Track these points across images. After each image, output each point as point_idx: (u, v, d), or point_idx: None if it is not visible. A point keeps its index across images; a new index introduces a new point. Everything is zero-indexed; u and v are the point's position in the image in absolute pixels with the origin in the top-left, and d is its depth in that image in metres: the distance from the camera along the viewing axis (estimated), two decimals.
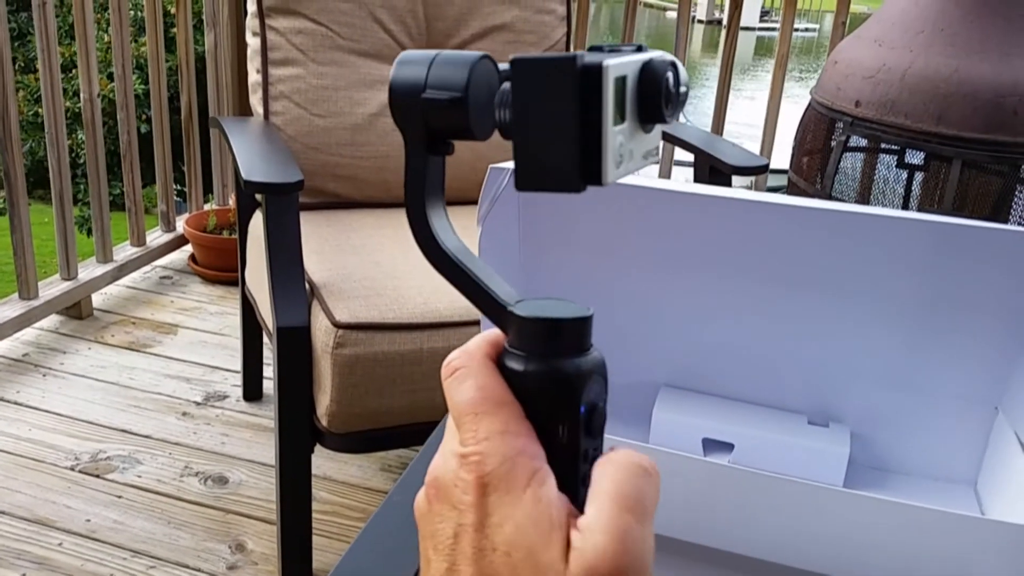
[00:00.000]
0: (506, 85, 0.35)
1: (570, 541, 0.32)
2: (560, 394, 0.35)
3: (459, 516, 0.34)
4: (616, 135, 0.34)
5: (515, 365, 0.35)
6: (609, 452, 0.35)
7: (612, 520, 0.32)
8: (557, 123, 0.33)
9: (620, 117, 0.34)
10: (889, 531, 0.64)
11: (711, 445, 0.82)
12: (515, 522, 0.33)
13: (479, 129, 0.36)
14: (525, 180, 0.34)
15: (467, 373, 0.36)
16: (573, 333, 0.35)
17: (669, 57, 0.37)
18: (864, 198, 1.97)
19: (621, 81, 0.34)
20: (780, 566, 0.67)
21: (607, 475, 0.34)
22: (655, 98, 0.35)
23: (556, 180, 0.34)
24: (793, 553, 0.67)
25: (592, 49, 0.36)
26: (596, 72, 0.33)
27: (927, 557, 0.63)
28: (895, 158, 1.89)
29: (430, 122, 0.37)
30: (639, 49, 0.37)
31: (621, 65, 0.34)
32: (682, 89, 0.38)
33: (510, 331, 0.36)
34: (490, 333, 0.37)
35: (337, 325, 1.31)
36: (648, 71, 0.35)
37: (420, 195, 0.38)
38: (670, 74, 0.36)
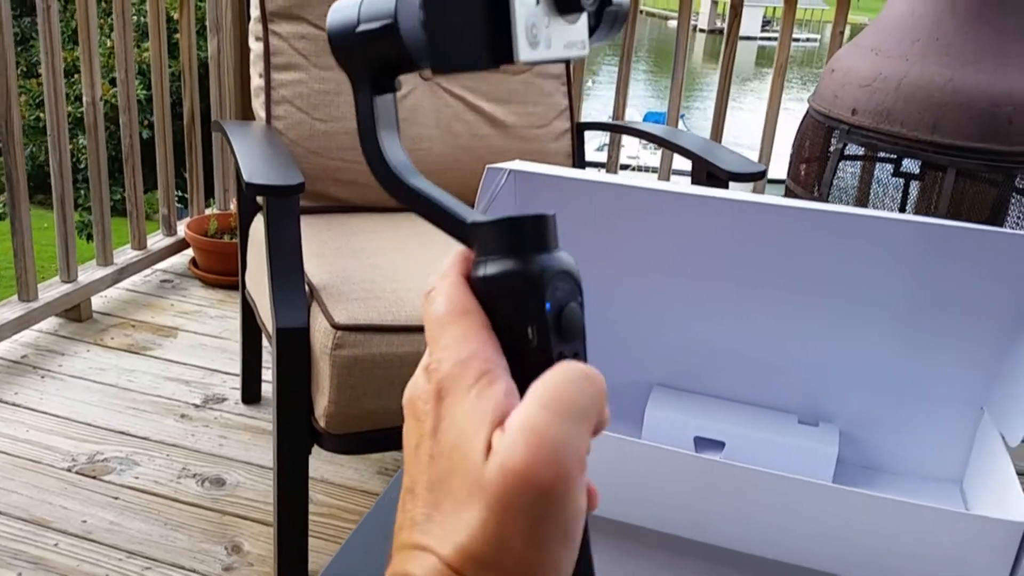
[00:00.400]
0: None
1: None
2: (523, 293, 0.34)
3: (420, 427, 0.34)
4: (527, 12, 0.34)
5: (478, 272, 0.35)
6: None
7: (528, 417, 0.31)
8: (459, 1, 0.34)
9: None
10: (876, 526, 0.65)
11: (703, 443, 0.83)
12: (457, 424, 0.32)
13: (417, 54, 0.36)
14: (438, 60, 0.34)
15: (437, 291, 0.35)
16: (532, 231, 0.35)
17: None
18: (861, 206, 1.98)
19: None
20: (770, 561, 0.68)
21: (539, 380, 0.33)
22: None
23: (467, 56, 0.34)
24: (783, 548, 0.68)
25: None
26: None
27: (913, 551, 0.64)
28: (891, 166, 1.90)
29: (369, 56, 0.37)
30: None
31: None
32: None
33: (474, 244, 0.36)
34: (462, 252, 0.37)
35: (336, 327, 1.32)
36: None
37: (372, 134, 0.38)
38: None
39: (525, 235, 0.34)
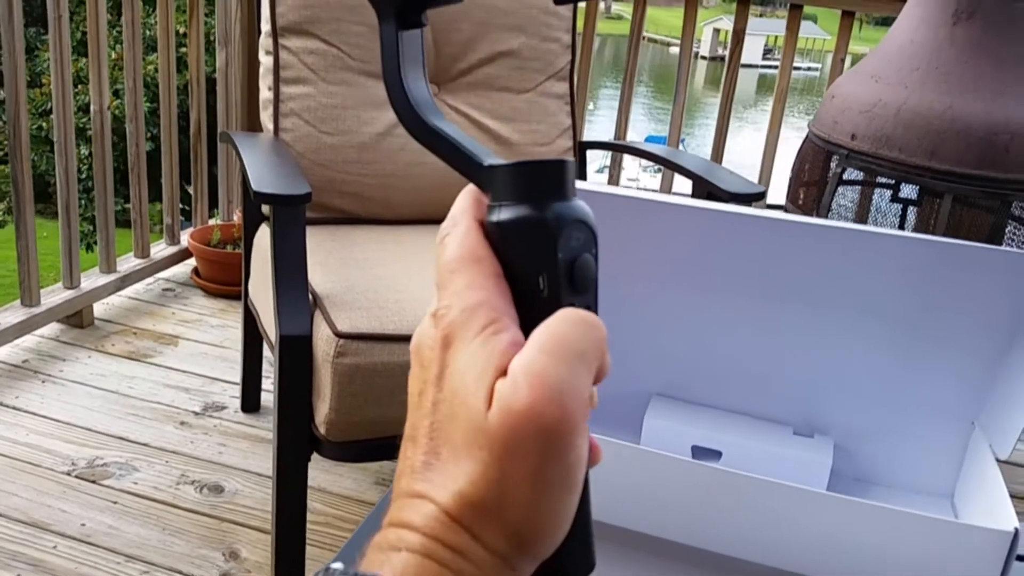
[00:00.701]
0: None
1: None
2: (536, 240, 0.33)
3: (424, 373, 0.34)
4: None
5: (492, 217, 0.34)
6: None
7: (530, 361, 0.31)
8: None
9: None
10: (868, 534, 0.67)
11: (700, 453, 0.85)
12: (460, 370, 0.32)
13: None
14: None
15: (451, 237, 0.35)
16: (546, 176, 0.34)
17: None
18: None
19: None
20: (765, 567, 0.70)
21: (541, 327, 0.32)
22: None
23: None
24: (778, 555, 0.69)
25: None
26: None
27: (905, 559, 0.65)
28: (890, 191, 1.93)
29: None
30: None
31: None
32: None
33: (488, 187, 0.35)
34: (472, 193, 0.36)
35: (338, 335, 1.33)
36: None
37: (396, 69, 0.37)
38: None
39: (542, 181, 0.34)
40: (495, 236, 0.34)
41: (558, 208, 0.33)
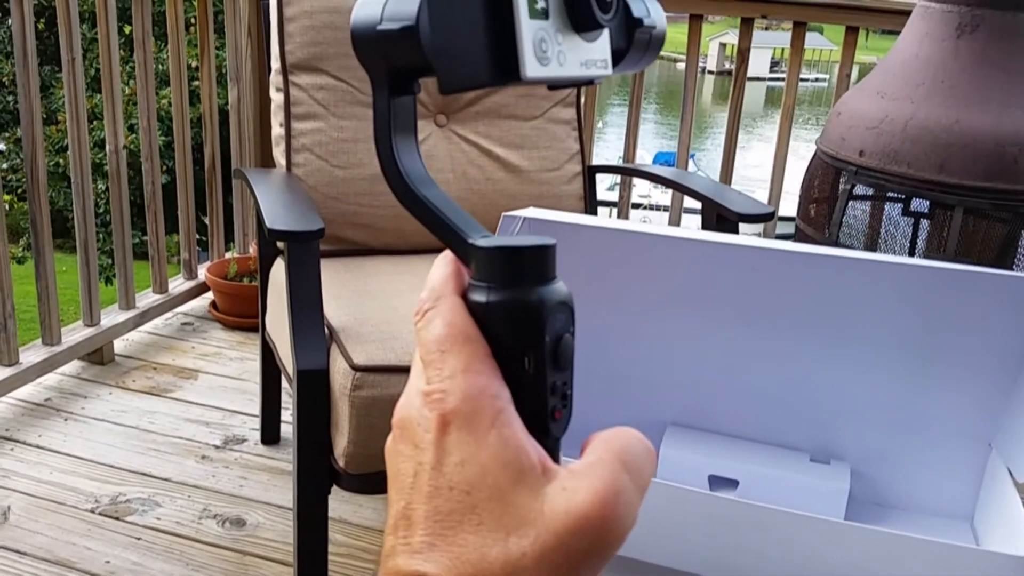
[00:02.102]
0: None
1: (541, 482, 0.32)
2: (524, 324, 0.34)
3: (419, 455, 0.34)
4: (535, 29, 0.33)
5: (478, 297, 0.35)
6: (614, 428, 0.35)
7: (612, 472, 0.32)
8: (466, 14, 0.33)
9: (542, 13, 0.34)
10: (889, 562, 0.67)
11: (717, 482, 0.85)
12: (480, 463, 0.32)
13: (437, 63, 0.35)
14: (446, 81, 0.34)
15: (436, 312, 0.35)
16: (534, 261, 0.34)
17: None
18: (871, 246, 2.01)
19: None
20: None
21: (614, 438, 0.33)
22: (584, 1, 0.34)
23: (471, 75, 0.33)
24: None
25: None
26: None
27: None
28: (900, 206, 1.93)
29: (389, 57, 0.36)
30: None
31: None
32: (643, 16, 0.38)
33: (473, 264, 0.35)
34: (452, 265, 0.37)
35: (355, 368, 1.35)
36: None
37: (387, 135, 0.37)
38: None
39: (527, 265, 0.34)
40: (480, 315, 0.35)
41: (543, 292, 0.34)
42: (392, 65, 0.36)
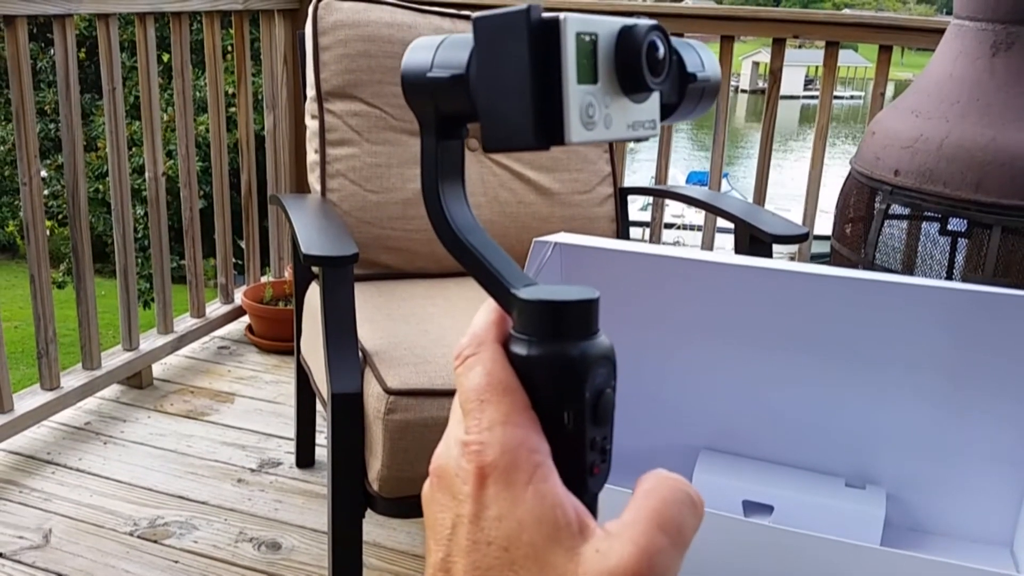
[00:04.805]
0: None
1: (577, 541, 0.32)
2: (564, 379, 0.33)
3: (458, 506, 0.33)
4: (583, 94, 0.32)
5: (519, 350, 0.34)
6: (660, 472, 0.34)
7: (646, 534, 0.31)
8: (513, 77, 0.32)
9: (591, 77, 0.33)
10: None
11: (751, 507, 0.84)
12: (517, 519, 0.32)
13: None
14: (489, 140, 0.34)
15: (476, 360, 0.35)
16: (577, 316, 0.34)
17: (655, 23, 0.35)
18: (908, 265, 1.99)
19: (589, 39, 0.33)
20: None
21: (653, 492, 0.33)
22: (634, 62, 0.33)
23: (514, 137, 0.33)
24: None
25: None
26: (553, 25, 0.31)
27: None
28: (937, 225, 1.91)
29: (438, 102, 0.36)
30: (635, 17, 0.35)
31: (588, 22, 0.32)
32: (696, 72, 0.37)
33: (515, 314, 0.35)
34: (495, 313, 0.36)
35: (388, 391, 1.36)
36: (627, 34, 0.34)
37: (434, 178, 0.37)
38: (656, 39, 0.34)
39: (571, 321, 0.34)
40: (520, 367, 0.34)
41: (585, 347, 0.34)
42: (440, 110, 0.36)
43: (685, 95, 0.39)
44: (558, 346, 0.34)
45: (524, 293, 0.34)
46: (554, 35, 0.31)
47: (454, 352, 0.36)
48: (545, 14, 0.32)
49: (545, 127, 0.32)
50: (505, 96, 0.33)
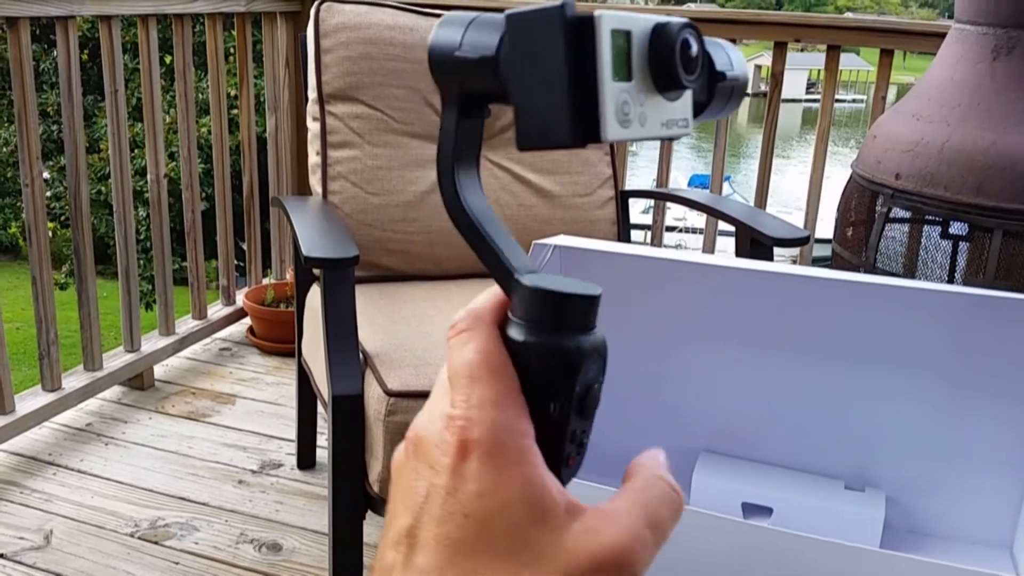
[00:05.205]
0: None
1: (561, 520, 0.32)
2: (557, 371, 0.34)
3: (434, 476, 0.34)
4: (618, 91, 0.32)
5: (515, 335, 0.34)
6: (653, 470, 0.35)
7: (636, 525, 0.33)
8: (548, 75, 0.32)
9: (625, 75, 0.33)
10: None
11: (750, 509, 0.85)
12: (501, 498, 0.32)
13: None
14: (524, 137, 0.33)
15: (471, 336, 0.35)
16: (577, 310, 0.34)
17: (687, 20, 0.35)
18: (910, 269, 1.99)
19: (623, 36, 0.32)
20: None
21: (647, 489, 0.34)
22: (668, 60, 0.33)
23: (551, 134, 0.32)
24: None
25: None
26: (588, 23, 0.31)
27: None
28: (938, 229, 1.91)
29: (463, 83, 0.36)
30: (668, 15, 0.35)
31: (623, 19, 0.32)
32: (726, 71, 0.37)
33: (515, 299, 0.35)
34: (497, 296, 0.36)
35: (389, 393, 1.36)
36: (661, 31, 0.34)
37: (450, 155, 0.37)
38: (689, 36, 0.34)
39: (570, 313, 0.34)
40: (514, 352, 0.34)
41: (582, 341, 0.34)
42: (465, 89, 0.36)
43: (715, 94, 0.38)
44: (555, 337, 0.34)
45: (527, 279, 0.34)
46: (589, 32, 0.31)
47: (451, 324, 0.36)
48: (576, 10, 0.32)
49: (581, 125, 0.32)
50: (540, 94, 0.32)
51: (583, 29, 0.31)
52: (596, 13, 0.31)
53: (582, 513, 0.33)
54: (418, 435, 0.35)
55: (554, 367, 0.34)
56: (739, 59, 0.39)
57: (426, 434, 0.35)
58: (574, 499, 0.34)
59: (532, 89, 0.32)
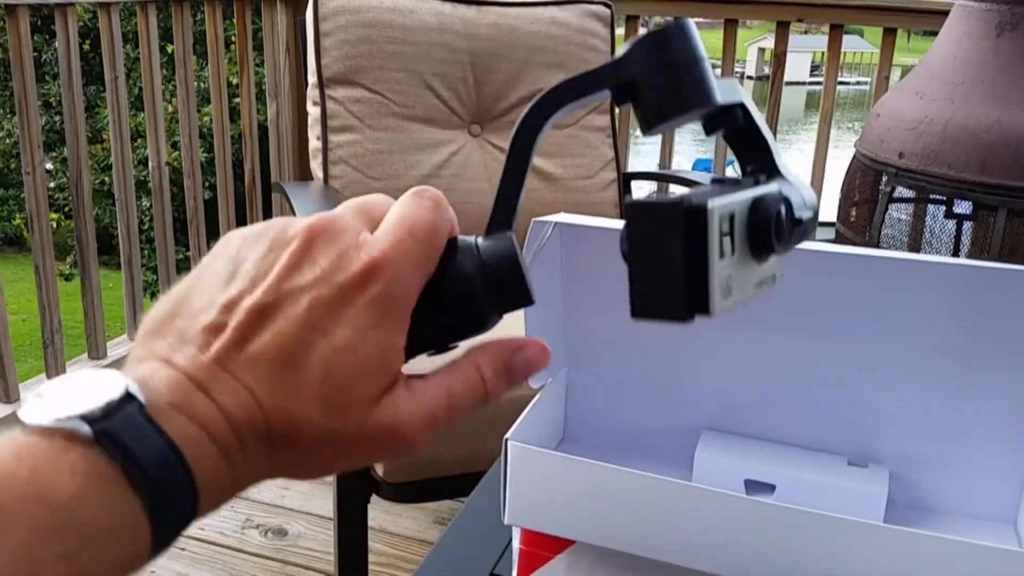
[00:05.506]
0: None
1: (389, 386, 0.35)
2: (460, 306, 0.37)
3: (318, 279, 0.33)
4: (723, 269, 0.35)
5: (465, 255, 0.37)
6: (488, 351, 0.38)
7: (437, 407, 0.36)
8: (666, 260, 0.35)
9: (729, 252, 0.36)
10: (929, 566, 0.66)
11: (753, 486, 0.84)
12: (365, 337, 0.33)
13: (653, 129, 0.38)
14: (639, 309, 0.36)
15: (435, 211, 0.37)
16: (513, 287, 0.37)
17: (781, 190, 0.38)
18: (914, 248, 1.98)
19: (728, 218, 0.35)
20: None
21: (464, 375, 0.37)
22: (765, 234, 0.37)
23: (666, 311, 0.36)
24: None
25: (713, 181, 0.38)
26: (701, 214, 0.34)
27: None
28: (943, 208, 1.90)
29: (653, 84, 0.37)
30: (753, 174, 0.39)
31: (727, 204, 0.35)
32: (803, 216, 0.39)
33: (493, 234, 0.38)
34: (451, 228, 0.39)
35: None
36: (758, 209, 0.37)
37: (566, 97, 0.39)
38: (782, 208, 0.37)
39: (511, 290, 0.37)
40: (451, 256, 0.37)
41: (490, 311, 0.37)
42: (626, 79, 0.37)
43: (792, 235, 0.40)
44: (480, 285, 0.37)
45: (516, 240, 0.38)
46: (702, 223, 0.34)
47: (423, 191, 0.38)
48: (694, 200, 0.34)
49: (692, 301, 0.35)
50: (657, 273, 0.35)
51: (697, 220, 0.34)
52: (709, 205, 0.34)
53: (401, 385, 0.35)
54: (325, 230, 0.34)
55: (461, 302, 0.37)
56: (810, 194, 0.41)
57: (334, 237, 0.34)
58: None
59: (648, 269, 0.36)
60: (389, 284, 0.34)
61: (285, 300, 0.33)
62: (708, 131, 0.40)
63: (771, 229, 0.37)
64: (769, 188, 0.38)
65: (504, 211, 0.39)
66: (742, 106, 0.39)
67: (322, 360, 0.32)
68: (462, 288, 0.37)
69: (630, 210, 0.36)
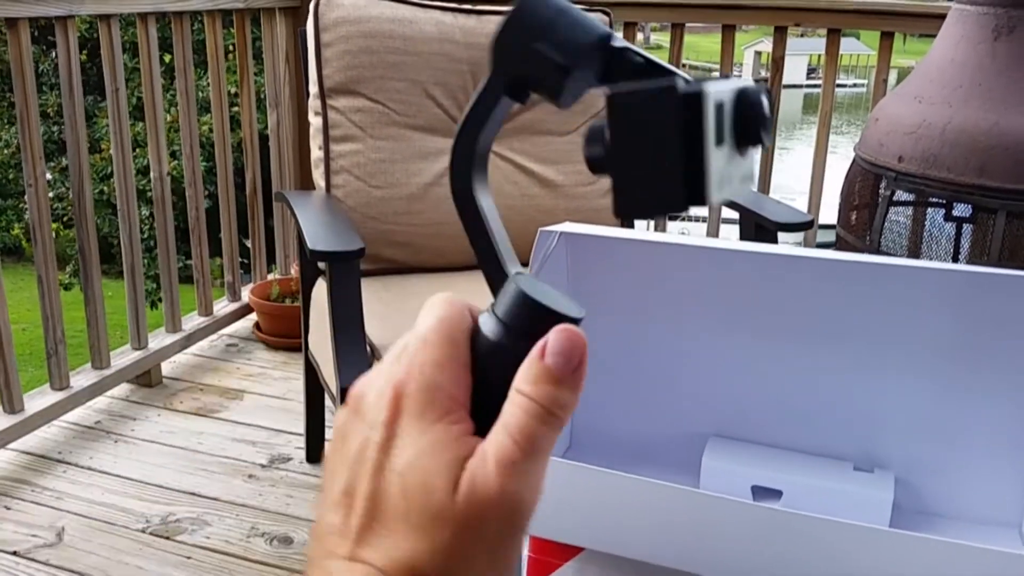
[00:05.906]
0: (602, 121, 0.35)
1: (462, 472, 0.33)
2: (510, 369, 0.35)
3: (368, 431, 0.35)
4: (718, 157, 0.34)
5: (485, 325, 0.36)
6: (523, 374, 0.35)
7: (502, 450, 0.33)
8: (659, 148, 0.33)
9: (719, 140, 0.34)
10: (935, 570, 0.67)
11: (760, 492, 0.85)
12: (418, 448, 0.33)
13: (565, 101, 0.37)
14: (628, 206, 0.35)
15: (440, 305, 0.37)
16: (551, 326, 0.35)
17: (757, 83, 0.37)
18: (914, 251, 1.99)
19: (719, 107, 0.34)
20: None
21: (509, 412, 0.34)
22: (754, 122, 0.35)
23: (662, 204, 0.34)
24: None
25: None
26: (696, 99, 0.33)
27: None
28: (942, 211, 1.91)
29: (526, 68, 0.36)
30: (725, 77, 0.37)
31: (718, 91, 0.34)
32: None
33: (498, 295, 0.36)
34: (467, 310, 0.38)
35: None
36: (745, 97, 0.35)
37: (477, 125, 0.38)
38: (764, 99, 0.36)
39: (546, 327, 0.35)
40: (479, 339, 0.36)
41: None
42: (523, 74, 0.36)
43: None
44: (517, 341, 0.35)
45: (522, 283, 0.36)
46: (696, 108, 0.33)
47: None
48: (682, 86, 0.33)
49: (690, 191, 0.33)
50: (649, 166, 0.34)
51: (692, 106, 0.33)
52: (703, 90, 0.33)
53: (474, 458, 0.34)
54: (359, 393, 0.36)
55: (509, 366, 0.35)
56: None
57: (367, 392, 0.36)
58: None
59: (639, 157, 0.34)
60: (419, 391, 0.34)
61: (358, 472, 0.35)
62: (609, 79, 0.37)
63: (759, 119, 0.35)
64: (746, 81, 0.36)
65: (493, 266, 0.38)
66: (630, 48, 0.37)
67: (399, 489, 0.33)
68: (498, 359, 0.35)
69: (614, 99, 0.34)
